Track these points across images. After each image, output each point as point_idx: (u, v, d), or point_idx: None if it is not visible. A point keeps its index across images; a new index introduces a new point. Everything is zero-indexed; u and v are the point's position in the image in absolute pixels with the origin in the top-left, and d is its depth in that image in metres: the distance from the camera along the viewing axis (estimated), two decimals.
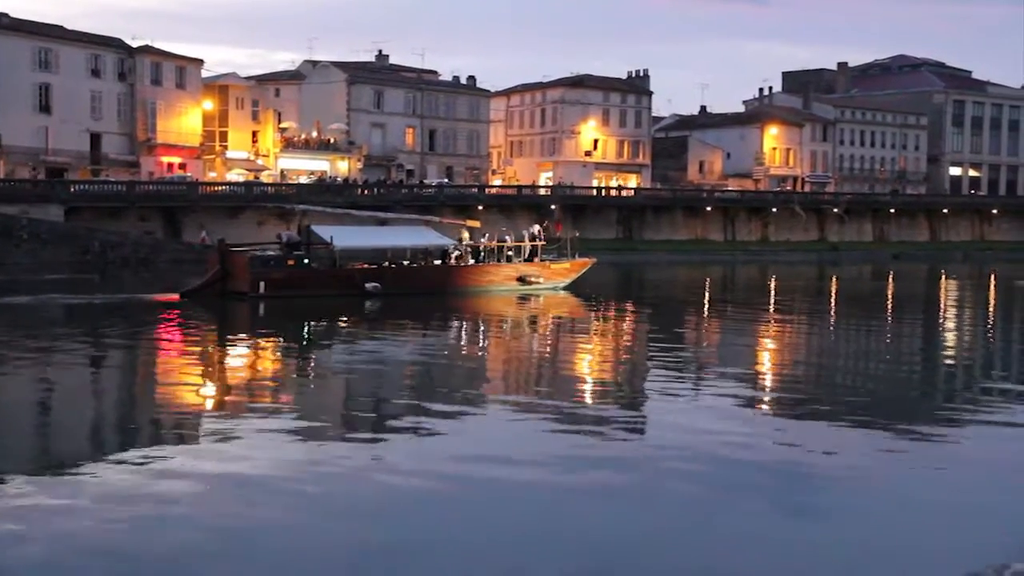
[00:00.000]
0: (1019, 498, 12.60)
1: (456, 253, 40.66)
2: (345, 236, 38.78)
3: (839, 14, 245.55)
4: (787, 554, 10.36)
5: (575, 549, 10.34)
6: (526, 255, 42.00)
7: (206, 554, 10.06)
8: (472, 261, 40.84)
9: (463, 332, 31.21)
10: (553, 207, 74.57)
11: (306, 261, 37.46)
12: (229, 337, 29.11)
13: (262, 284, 35.37)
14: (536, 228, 44.29)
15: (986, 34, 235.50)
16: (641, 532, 10.84)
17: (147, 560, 9.84)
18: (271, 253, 38.28)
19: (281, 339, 28.36)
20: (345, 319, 32.32)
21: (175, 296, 37.68)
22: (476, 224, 45.47)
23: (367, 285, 36.75)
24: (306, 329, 30.46)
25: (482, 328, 32.01)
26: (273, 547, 10.27)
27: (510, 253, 41.74)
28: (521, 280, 40.96)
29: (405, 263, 39.78)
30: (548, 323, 33.59)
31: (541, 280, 41.60)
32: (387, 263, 39.22)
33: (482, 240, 42.18)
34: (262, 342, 27.90)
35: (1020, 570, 4.64)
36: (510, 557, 10.15)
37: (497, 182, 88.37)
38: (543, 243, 42.98)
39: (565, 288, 42.36)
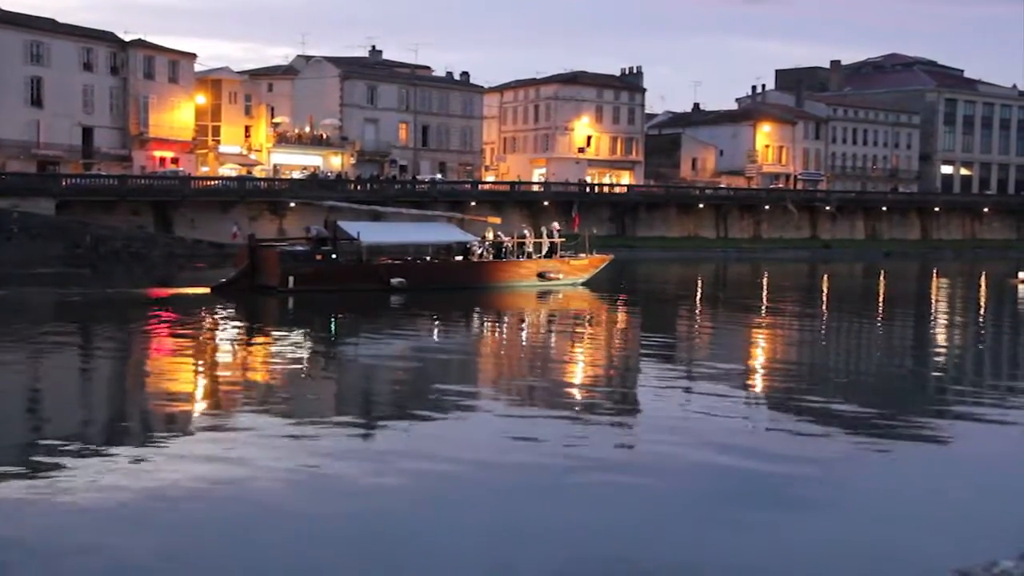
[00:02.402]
0: (1007, 495, 12.64)
1: (478, 249, 41.10)
2: (371, 232, 39.26)
3: (832, 12, 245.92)
4: (774, 551, 10.40)
5: (567, 546, 10.37)
6: (545, 251, 42.41)
7: (192, 552, 10.07)
8: (493, 257, 41.28)
9: (483, 328, 31.66)
10: (545, 203, 74.59)
11: (334, 256, 37.82)
12: (260, 331, 29.40)
13: (291, 279, 35.66)
14: (555, 225, 44.77)
15: (978, 33, 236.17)
16: (632, 529, 10.88)
17: (145, 557, 9.85)
18: (300, 248, 38.62)
19: (310, 333, 28.63)
20: (372, 314, 32.71)
21: (165, 291, 37.97)
22: (497, 221, 45.90)
23: (393, 280, 37.11)
24: (333, 324, 30.81)
25: (501, 324, 32.39)
26: (265, 543, 10.29)
27: (530, 250, 42.15)
28: (541, 276, 41.32)
29: (428, 259, 40.30)
30: (565, 319, 33.91)
31: (561, 276, 42.01)
32: (412, 259, 39.65)
33: (502, 236, 42.51)
34: (291, 336, 28.13)
35: (1007, 567, 4.66)
36: (501, 555, 10.17)
37: (490, 178, 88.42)
38: (562, 239, 43.46)
39: (583, 284, 42.79)
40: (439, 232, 42.30)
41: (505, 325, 32.19)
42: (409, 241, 41.26)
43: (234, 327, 30.05)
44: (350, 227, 38.97)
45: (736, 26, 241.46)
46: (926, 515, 11.71)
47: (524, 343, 28.09)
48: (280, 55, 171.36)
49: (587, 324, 32.47)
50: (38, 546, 10.03)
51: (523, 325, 32.39)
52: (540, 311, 35.89)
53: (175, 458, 13.33)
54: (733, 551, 10.28)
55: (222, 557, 9.96)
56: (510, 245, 41.85)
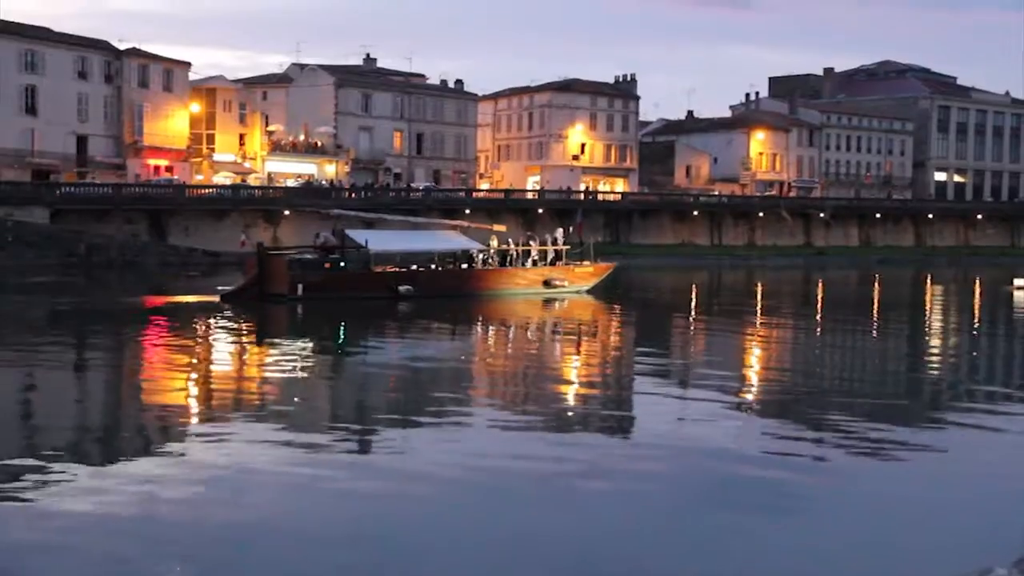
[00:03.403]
0: (1002, 501, 12.66)
1: (482, 257, 41.50)
2: (379, 240, 39.64)
3: (825, 20, 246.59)
4: (771, 556, 10.42)
5: (562, 551, 10.36)
6: (550, 259, 42.76)
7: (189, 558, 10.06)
8: (497, 265, 41.61)
9: (489, 336, 31.85)
10: (543, 210, 74.53)
11: (342, 264, 38.05)
12: (270, 339, 29.54)
13: (300, 287, 35.86)
14: (559, 232, 45.16)
15: (971, 40, 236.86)
16: (628, 533, 10.88)
17: (144, 561, 9.82)
18: (308, 256, 38.80)
19: (318, 340, 28.81)
20: (379, 321, 32.95)
21: (160, 299, 38.11)
22: (503, 229, 46.30)
23: (400, 288, 37.40)
24: (342, 331, 30.96)
25: (507, 331, 32.52)
26: (260, 549, 10.26)
27: (535, 257, 42.46)
28: (546, 284, 41.71)
29: (433, 266, 40.61)
30: (569, 326, 34.15)
31: (566, 283, 42.38)
32: (418, 267, 39.94)
33: (509, 244, 42.82)
34: (300, 343, 28.25)
35: (1002, 574, 4.69)
36: (497, 560, 10.16)
37: (485, 186, 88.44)
38: (567, 247, 43.83)
39: (588, 291, 43.11)
40: (444, 240, 42.72)
41: (510, 333, 32.32)
42: (415, 249, 41.42)
43: (244, 335, 30.17)
44: (358, 235, 39.32)
45: (730, 34, 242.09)
46: (922, 522, 11.72)
47: (529, 350, 28.20)
48: (274, 63, 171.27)
49: (591, 332, 32.73)
50: (29, 552, 10.02)
51: (528, 333, 32.52)
52: (546, 318, 36.12)
53: (187, 462, 13.38)
54: (730, 556, 10.28)
55: (227, 563, 9.94)
56: (515, 253, 42.13)
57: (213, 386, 20.98)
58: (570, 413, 17.99)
